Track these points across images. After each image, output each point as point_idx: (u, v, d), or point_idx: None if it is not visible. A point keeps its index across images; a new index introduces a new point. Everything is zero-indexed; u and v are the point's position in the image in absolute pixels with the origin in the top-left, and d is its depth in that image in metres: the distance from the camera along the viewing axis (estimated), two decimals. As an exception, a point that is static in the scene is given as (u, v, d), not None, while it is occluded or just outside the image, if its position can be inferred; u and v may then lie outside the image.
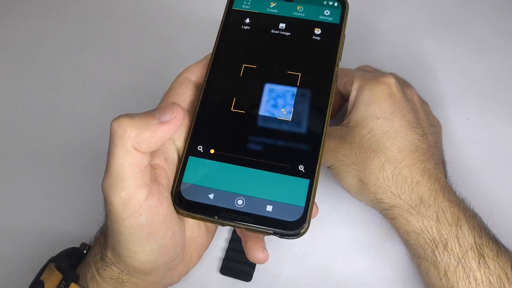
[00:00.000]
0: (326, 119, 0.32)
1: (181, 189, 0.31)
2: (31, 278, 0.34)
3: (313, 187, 0.30)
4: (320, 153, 0.31)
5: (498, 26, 0.48)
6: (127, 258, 0.30)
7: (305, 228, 0.30)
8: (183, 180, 0.31)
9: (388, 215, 0.36)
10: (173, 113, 0.29)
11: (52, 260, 0.35)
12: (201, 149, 0.32)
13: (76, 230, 0.41)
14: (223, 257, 0.40)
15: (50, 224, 0.42)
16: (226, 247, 0.40)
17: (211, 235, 0.36)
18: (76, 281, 0.33)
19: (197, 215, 0.30)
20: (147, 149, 0.28)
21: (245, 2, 0.36)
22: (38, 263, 0.35)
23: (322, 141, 0.32)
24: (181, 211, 0.30)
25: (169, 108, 0.29)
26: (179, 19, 0.48)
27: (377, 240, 0.41)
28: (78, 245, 0.37)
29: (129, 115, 0.28)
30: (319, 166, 0.31)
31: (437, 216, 0.34)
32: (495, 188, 0.42)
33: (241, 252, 0.39)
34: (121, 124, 0.28)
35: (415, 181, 0.35)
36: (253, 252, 0.33)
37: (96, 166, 0.43)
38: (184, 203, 0.30)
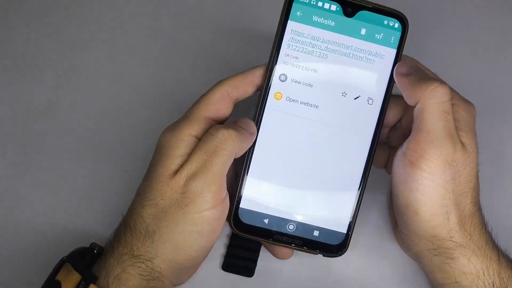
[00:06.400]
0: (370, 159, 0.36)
1: (238, 214, 0.35)
2: (32, 276, 0.34)
3: (355, 218, 0.36)
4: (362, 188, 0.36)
5: (498, 25, 0.48)
6: (180, 251, 0.32)
7: (346, 249, 0.36)
8: (240, 206, 0.35)
9: (446, 254, 0.33)
10: (253, 126, 0.34)
11: (66, 259, 0.33)
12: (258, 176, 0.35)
13: (79, 229, 0.41)
14: (224, 253, 0.40)
15: (51, 222, 0.42)
16: (227, 243, 0.40)
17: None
18: (95, 281, 0.31)
19: (253, 237, 0.35)
20: (238, 156, 0.33)
21: (301, 13, 0.34)
22: (41, 262, 0.35)
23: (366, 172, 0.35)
24: (240, 233, 0.35)
25: (250, 121, 0.34)
26: (182, 15, 0.48)
27: (377, 240, 0.41)
28: (80, 244, 0.36)
29: (236, 128, 0.32)
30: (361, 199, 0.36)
31: (499, 258, 0.33)
32: (493, 188, 0.42)
33: (243, 247, 0.40)
34: (232, 136, 0.32)
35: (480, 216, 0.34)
36: (278, 248, 0.37)
37: (97, 166, 0.43)
38: (243, 227, 0.35)
